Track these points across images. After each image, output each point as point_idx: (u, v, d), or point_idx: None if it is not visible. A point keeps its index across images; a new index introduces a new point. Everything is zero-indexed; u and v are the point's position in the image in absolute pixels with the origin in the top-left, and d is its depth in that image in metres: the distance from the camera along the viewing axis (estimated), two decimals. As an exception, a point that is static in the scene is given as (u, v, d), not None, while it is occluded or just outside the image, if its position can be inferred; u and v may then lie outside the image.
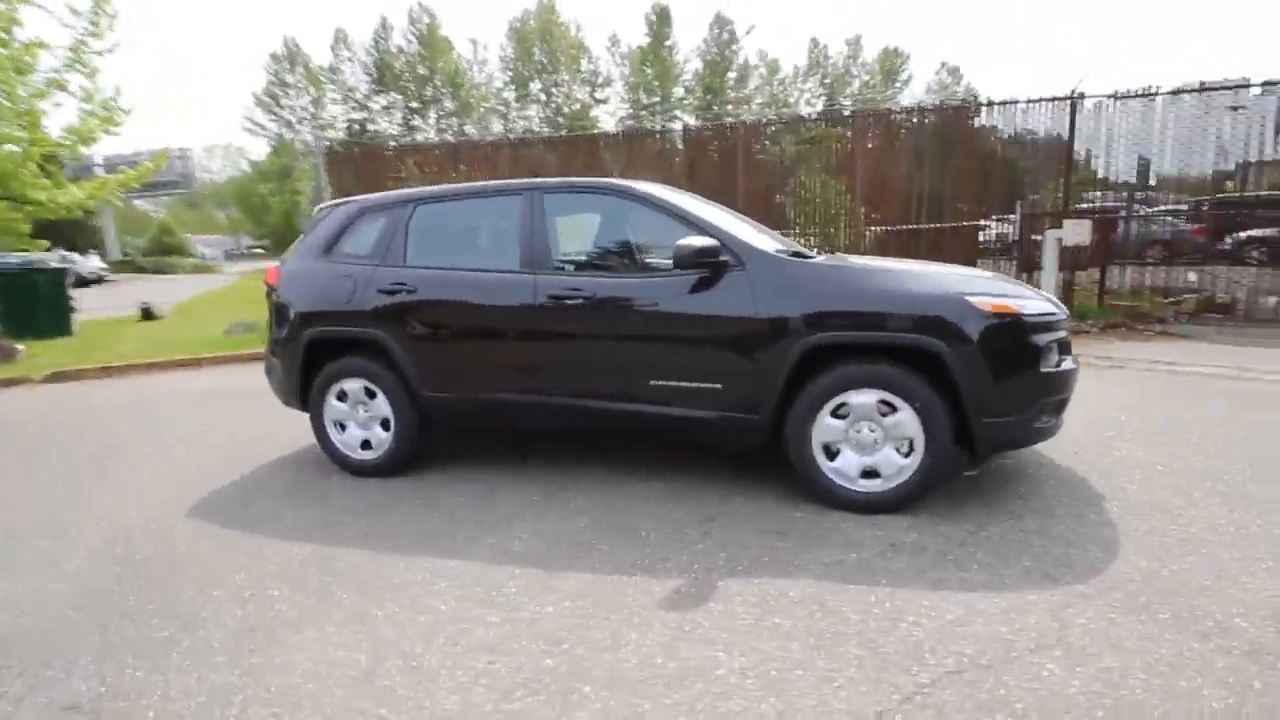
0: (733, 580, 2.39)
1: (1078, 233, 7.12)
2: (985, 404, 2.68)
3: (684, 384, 3.02)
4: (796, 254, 3.13)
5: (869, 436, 2.82)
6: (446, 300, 3.39)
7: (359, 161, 10.10)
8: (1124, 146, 7.60)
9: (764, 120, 9.84)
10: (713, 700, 1.78)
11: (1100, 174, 8.09)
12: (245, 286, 22.50)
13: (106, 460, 4.26)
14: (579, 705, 1.80)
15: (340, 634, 2.19)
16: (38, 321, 10.27)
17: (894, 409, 2.77)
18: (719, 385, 2.97)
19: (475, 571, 2.55)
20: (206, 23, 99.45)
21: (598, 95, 44.91)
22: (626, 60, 44.74)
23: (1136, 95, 7.39)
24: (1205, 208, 7.63)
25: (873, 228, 8.93)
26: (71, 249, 26.79)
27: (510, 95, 44.59)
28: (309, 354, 3.65)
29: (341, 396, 3.63)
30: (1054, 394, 2.79)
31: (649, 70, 43.81)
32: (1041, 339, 2.73)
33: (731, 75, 45.12)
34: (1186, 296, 7.64)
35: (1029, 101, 7.98)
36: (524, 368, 3.29)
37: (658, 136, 9.97)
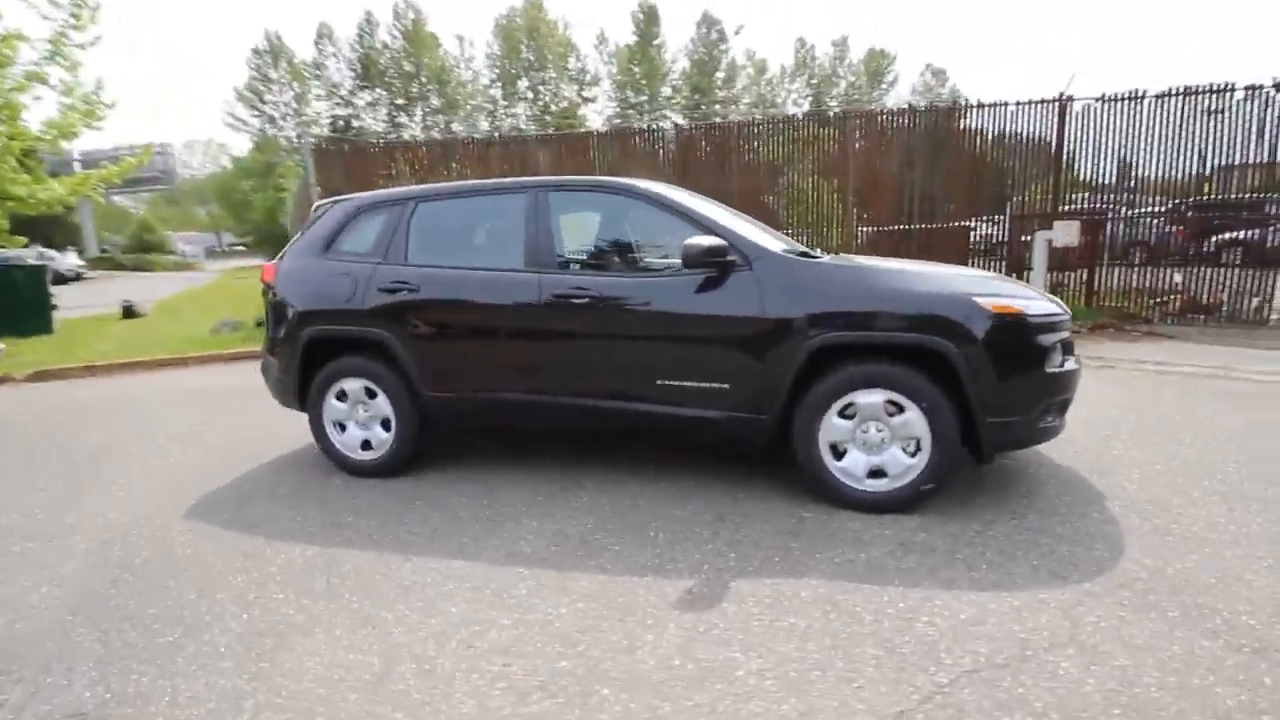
0: (744, 581, 2.38)
1: (1067, 234, 7.21)
2: (992, 404, 2.71)
3: (691, 384, 3.02)
4: (803, 254, 3.14)
5: (876, 436, 2.83)
6: (450, 299, 3.36)
7: (348, 158, 9.97)
8: (1112, 149, 7.70)
9: (756, 120, 9.85)
10: (734, 702, 1.77)
11: (1086, 176, 8.20)
12: (227, 285, 22.22)
13: (98, 461, 4.17)
14: (599, 708, 1.78)
15: (350, 637, 2.16)
16: (18, 319, 10.05)
17: (901, 409, 2.78)
18: (726, 385, 2.96)
19: (484, 572, 2.53)
20: (185, 16, 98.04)
21: (585, 94, 44.79)
22: (614, 59, 44.66)
23: (1124, 98, 7.50)
24: (1188, 211, 7.76)
25: (864, 228, 9.00)
26: (49, 245, 26.26)
27: (497, 93, 44.34)
28: (308, 353, 3.59)
29: (341, 396, 3.58)
30: (1058, 394, 2.82)
31: (637, 69, 43.75)
32: (1046, 340, 2.76)
33: (719, 75, 45.20)
34: (1171, 297, 7.77)
35: (1019, 104, 8.07)
36: (529, 367, 3.27)
37: (651, 135, 9.94)
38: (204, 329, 9.94)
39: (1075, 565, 2.39)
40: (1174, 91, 7.25)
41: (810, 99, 46.54)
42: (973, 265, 7.98)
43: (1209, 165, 7.37)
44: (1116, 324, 7.40)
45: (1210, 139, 7.18)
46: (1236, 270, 7.41)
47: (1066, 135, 7.85)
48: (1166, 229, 7.94)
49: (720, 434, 3.06)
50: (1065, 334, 2.88)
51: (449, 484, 3.44)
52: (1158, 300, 7.78)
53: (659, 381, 3.06)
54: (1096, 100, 7.64)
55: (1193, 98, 7.17)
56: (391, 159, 9.93)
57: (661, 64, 44.28)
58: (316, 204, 3.90)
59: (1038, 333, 2.75)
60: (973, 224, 8.84)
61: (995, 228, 8.80)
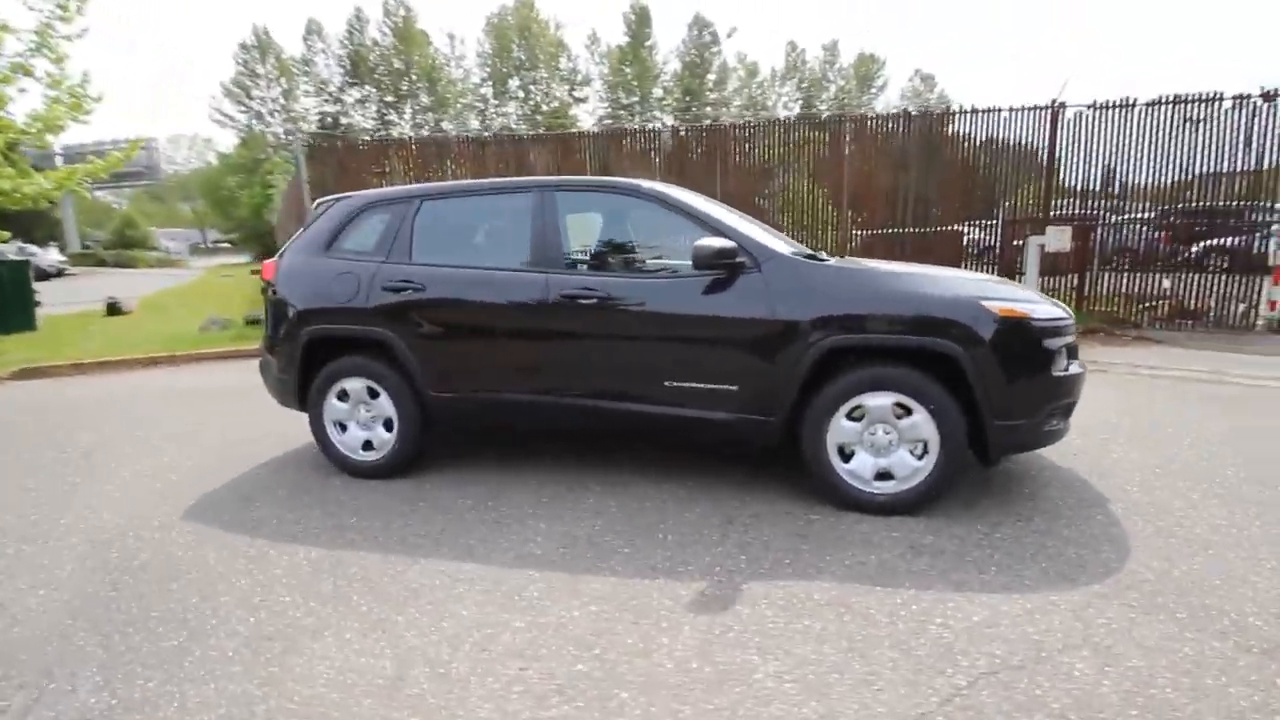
0: (757, 583, 2.38)
1: (1059, 239, 7.31)
2: (999, 407, 2.73)
3: (699, 385, 3.01)
4: (810, 256, 3.14)
5: (884, 438, 2.85)
6: (456, 298, 3.33)
7: (341, 155, 9.88)
8: (1103, 156, 7.81)
9: (751, 122, 9.88)
10: (755, 705, 1.77)
11: (1076, 182, 8.30)
12: (213, 282, 21.94)
13: (90, 460, 4.09)
14: (618, 712, 1.77)
15: (361, 641, 2.13)
16: (0, 316, 9.85)
17: (909, 411, 2.79)
18: (734, 387, 2.96)
19: (494, 575, 2.51)
20: (184, 16, 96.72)
21: (577, 94, 44.71)
22: (606, 60, 44.64)
23: (1115, 106, 7.61)
24: (1175, 219, 7.89)
25: (857, 231, 9.06)
26: (29, 241, 25.78)
27: (488, 92, 44.15)
28: (308, 352, 3.55)
29: (343, 396, 3.54)
30: (1064, 397, 2.84)
31: (628, 70, 43.76)
32: (1052, 343, 2.79)
33: (710, 77, 45.31)
34: (1159, 302, 7.89)
35: (1012, 109, 8.17)
36: (535, 367, 3.25)
37: (647, 135, 9.93)
38: (192, 327, 9.81)
39: (1083, 567, 2.41)
40: (1164, 100, 7.37)
41: (800, 102, 46.80)
42: (965, 269, 8.05)
43: (1198, 173, 7.50)
44: (1107, 328, 7.50)
45: (1199, 147, 7.31)
46: (1223, 276, 7.54)
47: (1059, 141, 7.95)
48: (1155, 235, 8.06)
49: (728, 435, 3.06)
50: (1070, 338, 2.90)
51: (452, 485, 3.41)
52: (1146, 305, 7.90)
53: (666, 383, 3.05)
54: (1088, 107, 7.74)
55: (1182, 106, 7.29)
56: (385, 157, 9.85)
57: (653, 65, 44.33)
58: (318, 201, 3.85)
59: (1044, 336, 2.77)
60: (965, 228, 8.93)
61: (985, 233, 8.90)
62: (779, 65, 48.37)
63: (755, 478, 3.33)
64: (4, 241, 10.85)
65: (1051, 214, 8.16)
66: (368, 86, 42.45)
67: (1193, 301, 7.67)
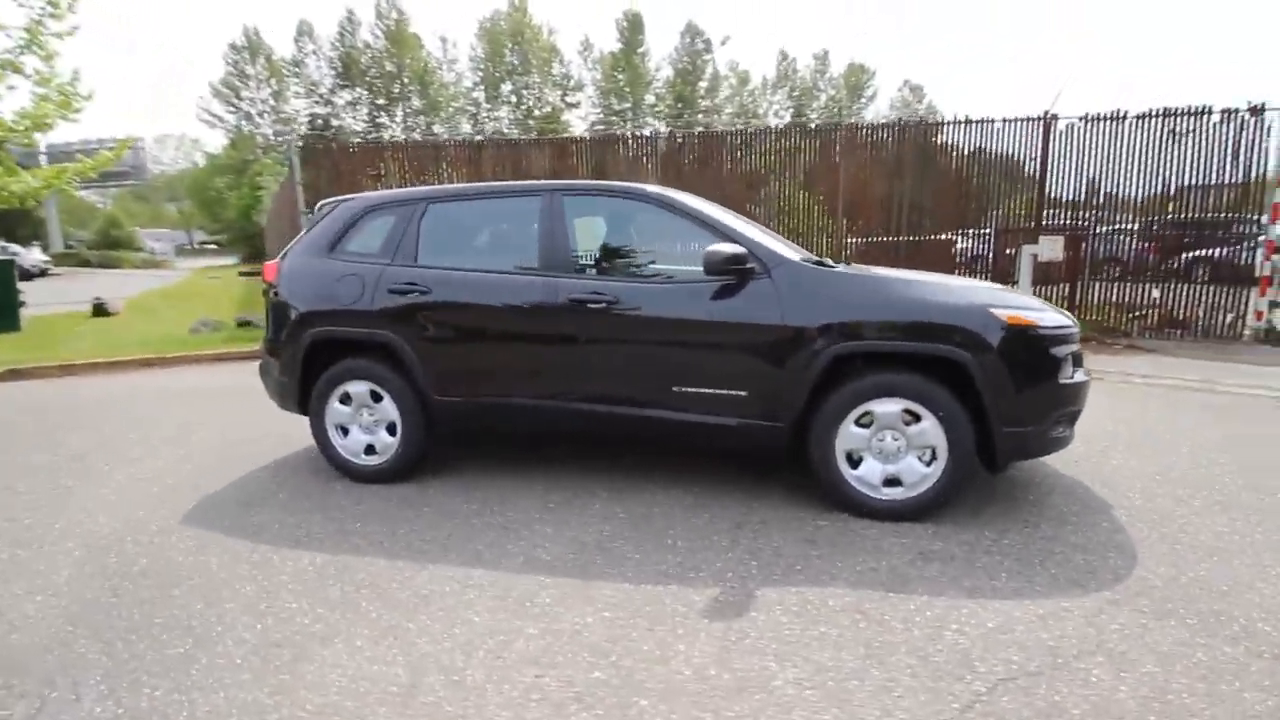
0: (770, 589, 2.38)
1: (1052, 249, 7.40)
2: (1007, 414, 2.74)
3: (707, 390, 3.01)
4: (819, 262, 3.16)
5: (892, 445, 2.86)
6: (463, 302, 3.31)
7: (336, 157, 9.81)
8: (1094, 166, 7.92)
9: (748, 129, 9.94)
10: (776, 712, 1.76)
11: (1066, 193, 8.41)
12: (200, 284, 21.70)
13: (84, 463, 4.02)
14: (639, 719, 1.76)
15: (373, 648, 2.10)
16: (-17, 316, 9.68)
17: (917, 418, 2.81)
18: (744, 392, 2.96)
19: (504, 581, 2.48)
20: (171, 9, 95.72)
21: (569, 99, 44.79)
22: (598, 65, 44.78)
23: (1106, 118, 7.73)
24: (1161, 229, 8.03)
25: (850, 238, 9.12)
26: (11, 240, 25.37)
27: (480, 96, 44.10)
28: (310, 355, 3.51)
29: (345, 400, 3.50)
30: (1070, 405, 2.87)
31: (621, 76, 43.91)
32: (1059, 351, 2.81)
33: (702, 84, 45.57)
34: (1149, 312, 8.00)
35: (1005, 120, 8.27)
36: (543, 371, 3.23)
37: (642, 141, 9.96)
38: (181, 328, 9.68)
39: (1092, 574, 2.43)
40: (1153, 113, 7.49)
41: (791, 111, 47.17)
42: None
43: (1186, 184, 7.63)
44: (1098, 337, 7.59)
45: (1188, 159, 7.43)
46: (1212, 287, 7.66)
47: (1050, 152, 8.06)
48: (1144, 246, 8.19)
49: (736, 441, 3.06)
50: (1075, 346, 2.93)
51: (456, 490, 3.38)
52: (1136, 315, 8.01)
53: (675, 388, 3.05)
54: (1080, 119, 7.86)
55: (1171, 119, 7.42)
56: (380, 159, 9.80)
57: (645, 72, 44.53)
58: (321, 203, 3.82)
59: (1051, 344, 2.80)
60: (957, 237, 9.02)
61: (975, 242, 9.00)
62: (770, 74, 48.67)
63: (760, 484, 3.33)
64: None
65: (1043, 224, 8.26)
66: (359, 89, 42.28)
67: (1181, 311, 7.79)
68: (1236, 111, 7.12)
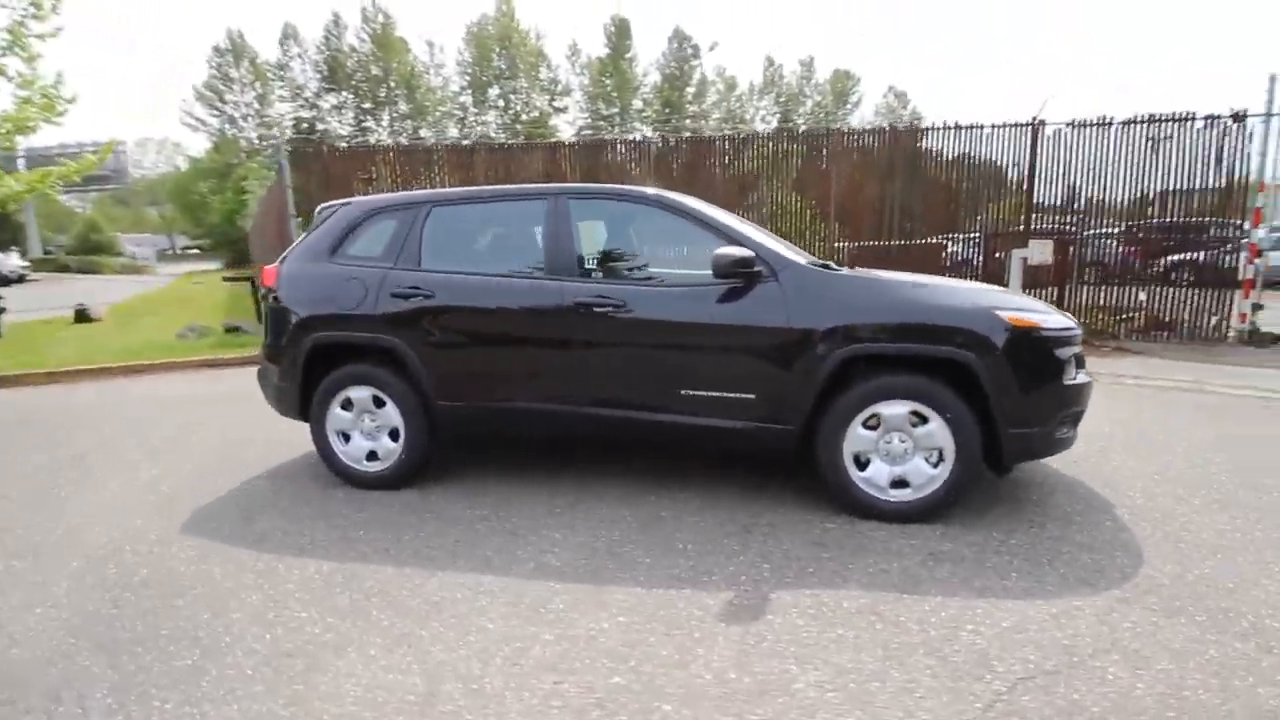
0: (784, 592, 2.38)
1: (1042, 252, 7.50)
2: (1013, 415, 2.77)
3: (715, 394, 3.01)
4: (823, 266, 3.18)
5: (899, 447, 2.87)
6: (468, 306, 3.29)
7: (327, 162, 9.72)
8: (1081, 172, 8.04)
9: (739, 134, 10.01)
10: (799, 715, 1.76)
11: (1054, 198, 8.53)
12: (184, 289, 21.40)
13: (77, 472, 3.94)
14: (662, 725, 1.75)
15: (387, 657, 2.07)
16: (-38, 322, 9.47)
17: (924, 420, 2.82)
18: (751, 395, 2.97)
19: (516, 587, 2.46)
20: (170, 9, 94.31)
21: (557, 104, 44.78)
22: (586, 70, 44.83)
23: (1092, 124, 7.86)
24: (1146, 233, 8.17)
25: (840, 243, 9.18)
26: (-12, 244, 24.88)
27: (468, 100, 43.98)
28: (311, 360, 3.47)
29: (346, 405, 3.46)
30: (1074, 406, 2.90)
31: (608, 81, 43.99)
32: (1063, 352, 2.85)
33: (690, 90, 45.77)
34: (1134, 314, 8.13)
35: (994, 126, 8.38)
36: (548, 375, 3.22)
37: (636, 146, 9.98)
38: (167, 335, 9.54)
39: (1101, 573, 2.46)
40: (1139, 119, 7.63)
41: (778, 116, 47.49)
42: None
43: (1171, 189, 7.77)
44: (1087, 339, 7.67)
45: (1173, 164, 7.57)
46: (1196, 290, 7.80)
47: (1039, 157, 8.18)
48: (1130, 250, 8.32)
49: (744, 444, 3.06)
50: (1078, 348, 2.97)
51: (460, 496, 3.35)
52: (1123, 317, 8.13)
53: (682, 391, 3.05)
54: (1067, 125, 7.98)
55: (1157, 125, 7.56)
56: (371, 163, 9.72)
57: (633, 77, 44.63)
58: (321, 207, 3.78)
59: (1055, 346, 2.83)
60: (947, 241, 9.12)
61: (963, 246, 9.09)
62: (757, 80, 49.01)
63: (765, 486, 3.33)
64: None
65: (1032, 228, 8.37)
66: (345, 93, 41.98)
67: (1168, 314, 7.92)
68: (1219, 118, 7.26)
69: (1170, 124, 7.49)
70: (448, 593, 2.44)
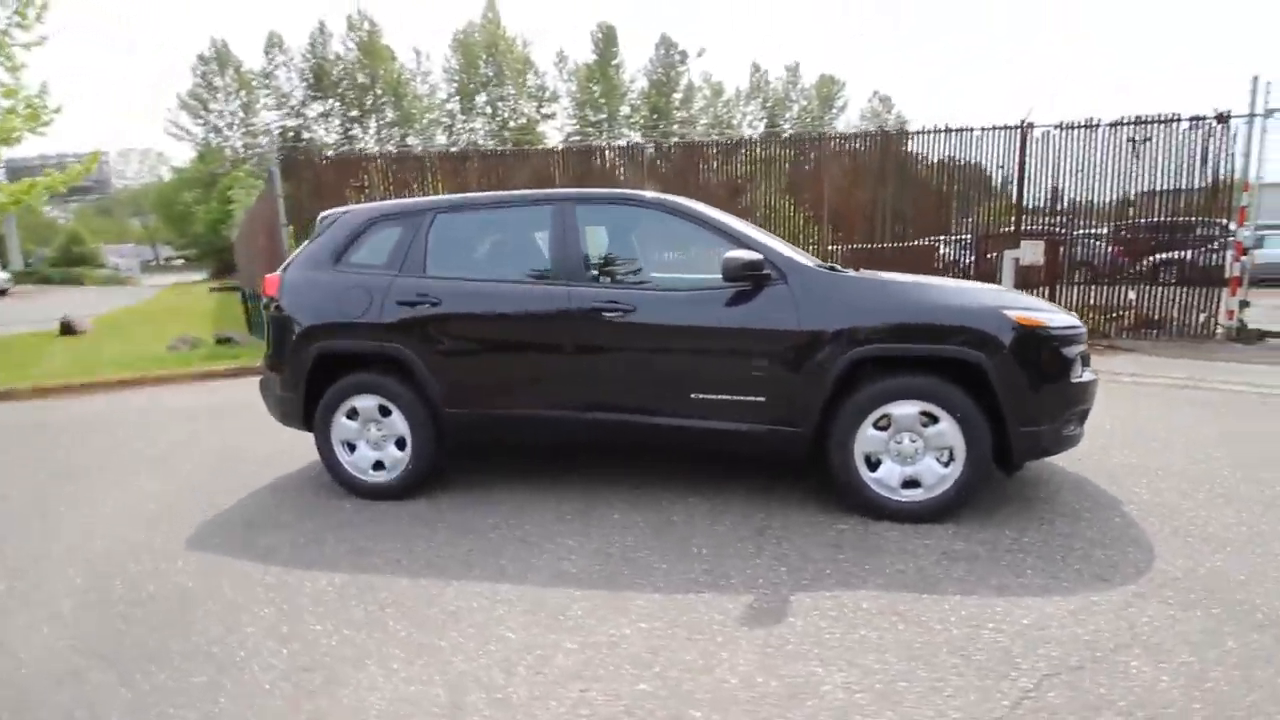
0: (803, 594, 2.37)
1: (1033, 253, 7.60)
2: (1022, 413, 2.79)
3: (726, 397, 3.01)
4: (830, 268, 3.19)
5: (910, 447, 2.88)
6: (476, 312, 3.27)
7: (318, 170, 9.66)
8: (1070, 172, 8.16)
9: (731, 139, 10.06)
10: (830, 717, 1.75)
11: (1042, 199, 8.64)
12: (171, 300, 21.17)
13: (73, 487, 3.87)
14: (693, 730, 1.74)
15: (408, 668, 2.04)
16: (-55, 336, 9.29)
17: (935, 420, 2.84)
18: (762, 398, 2.97)
19: (534, 595, 2.44)
20: (172, 9, 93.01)
21: (544, 110, 44.80)
22: (573, 77, 44.91)
23: (1080, 126, 7.97)
24: (1132, 233, 8.30)
25: (833, 245, 9.24)
26: (-33, 258, 24.47)
27: (455, 107, 43.89)
28: (315, 370, 3.43)
29: (352, 415, 3.42)
30: (1081, 403, 2.93)
31: (596, 88, 44.09)
32: (1069, 351, 2.88)
33: (677, 96, 45.95)
34: (1124, 313, 8.24)
35: (983, 129, 8.48)
36: (558, 381, 3.21)
37: (630, 151, 10.00)
38: (157, 347, 9.42)
39: (1114, 568, 2.48)
40: (1125, 121, 7.75)
41: (765, 121, 47.78)
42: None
43: (1155, 189, 7.89)
44: (1079, 338, 7.78)
45: (1160, 165, 7.69)
46: (1184, 288, 7.92)
47: (1028, 159, 8.28)
48: (1118, 250, 8.44)
49: (755, 447, 3.07)
50: (1083, 346, 3.00)
51: (469, 505, 3.32)
52: (1113, 316, 8.24)
53: (693, 395, 3.05)
54: (1055, 128, 8.09)
55: (1143, 127, 7.68)
56: (363, 171, 9.67)
57: (620, 83, 44.74)
58: (323, 215, 3.75)
59: (1062, 344, 2.86)
60: (939, 243, 9.20)
61: (954, 248, 9.19)
62: (744, 85, 49.29)
63: (773, 488, 3.33)
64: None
65: (1023, 229, 8.47)
66: (331, 100, 41.75)
67: (1156, 312, 8.03)
68: (1204, 119, 7.40)
69: (1156, 125, 7.62)
70: (465, 602, 2.41)
